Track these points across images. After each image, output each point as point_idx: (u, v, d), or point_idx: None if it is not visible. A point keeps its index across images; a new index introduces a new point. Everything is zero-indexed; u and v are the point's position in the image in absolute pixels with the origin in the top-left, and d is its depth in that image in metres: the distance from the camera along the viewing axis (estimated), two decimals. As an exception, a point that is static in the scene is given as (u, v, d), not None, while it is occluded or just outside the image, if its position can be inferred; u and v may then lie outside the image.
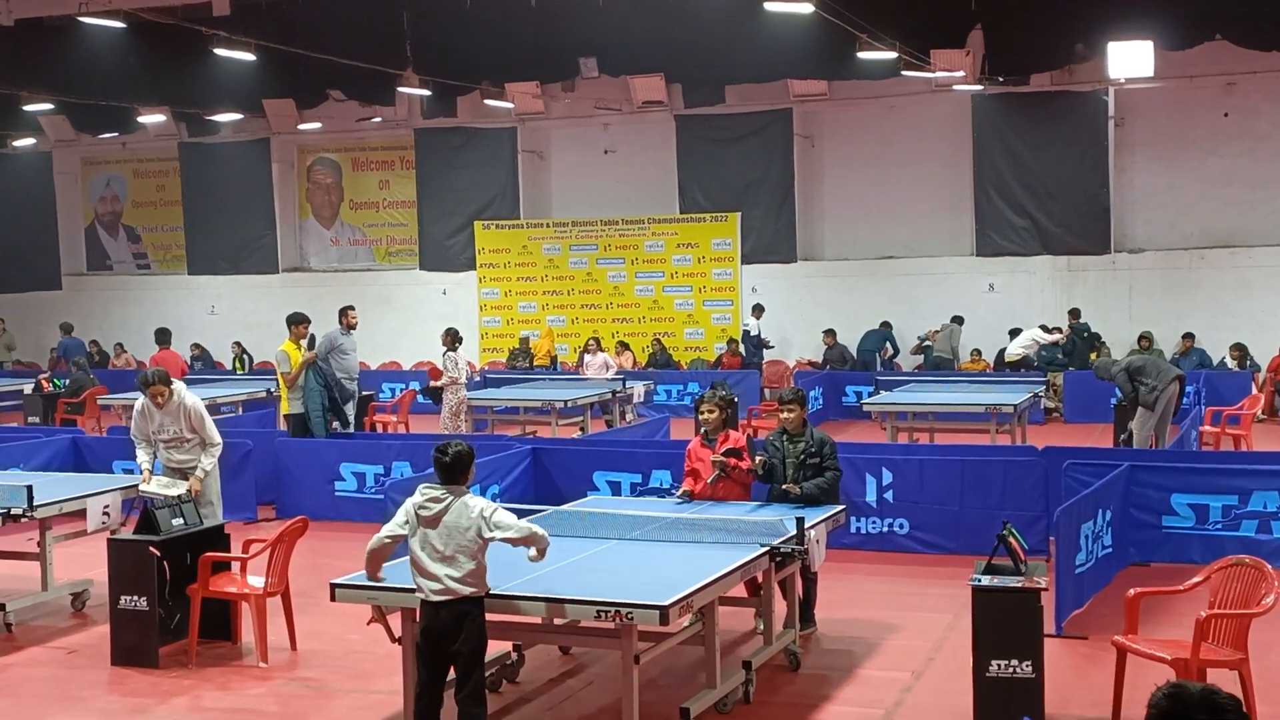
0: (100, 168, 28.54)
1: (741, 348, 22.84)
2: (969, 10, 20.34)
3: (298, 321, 14.26)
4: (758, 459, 8.66)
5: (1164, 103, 21.62)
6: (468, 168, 25.24)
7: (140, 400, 9.92)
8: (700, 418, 8.81)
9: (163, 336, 18.61)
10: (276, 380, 15.19)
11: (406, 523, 6.32)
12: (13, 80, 22.80)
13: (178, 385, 9.93)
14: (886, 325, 22.75)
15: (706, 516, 8.00)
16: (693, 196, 24.14)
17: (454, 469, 6.35)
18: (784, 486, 8.52)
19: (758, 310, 22.84)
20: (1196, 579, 7.08)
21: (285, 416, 14.26)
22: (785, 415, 8.66)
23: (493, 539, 6.22)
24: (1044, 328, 20.98)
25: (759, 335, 22.69)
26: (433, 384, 17.54)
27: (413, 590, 6.37)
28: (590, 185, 24.94)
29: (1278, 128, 21.21)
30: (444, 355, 16.88)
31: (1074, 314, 21.46)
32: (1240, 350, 20.44)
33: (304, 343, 14.11)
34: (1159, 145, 21.87)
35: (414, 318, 24.89)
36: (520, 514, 8.39)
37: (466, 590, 6.22)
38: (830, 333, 22.65)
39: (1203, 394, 17.60)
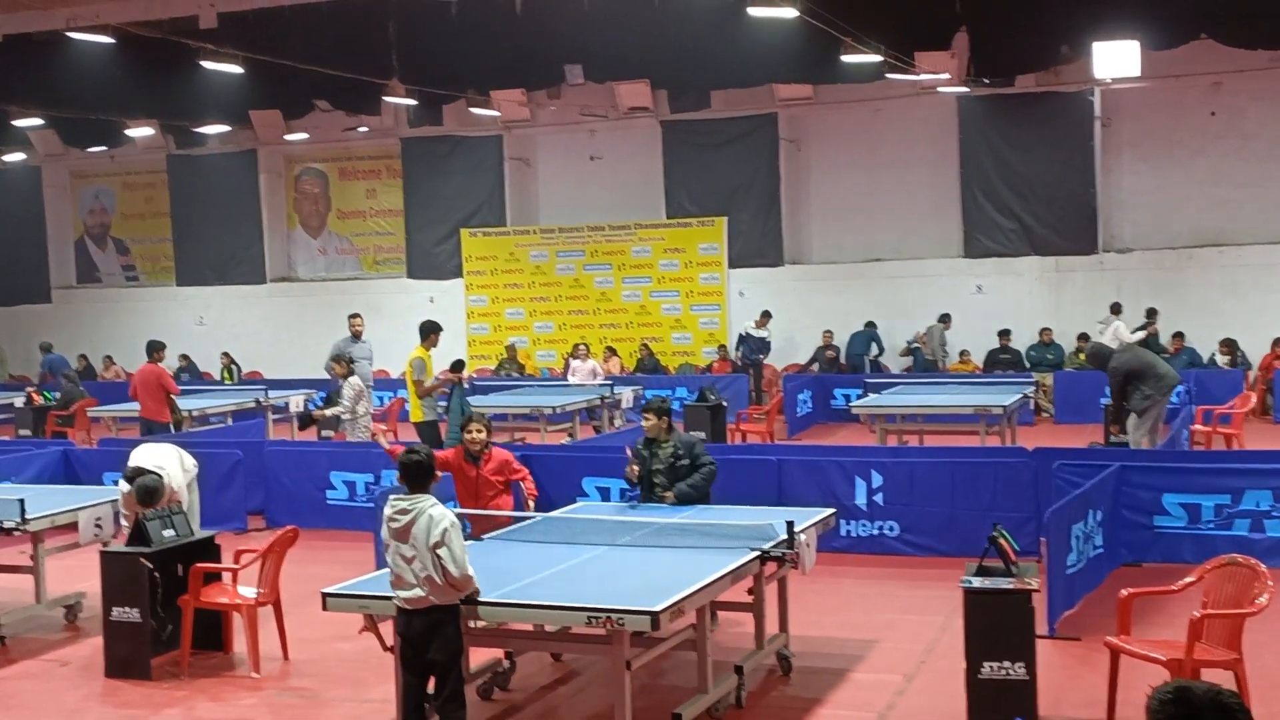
0: (89, 181, 28.50)
1: (735, 351, 22.79)
2: (953, 12, 20.36)
3: (433, 330, 13.94)
4: (635, 468, 8.94)
5: (1150, 103, 21.68)
6: (454, 175, 25.24)
7: (127, 490, 9.11)
8: (467, 437, 9.02)
9: (151, 348, 16.27)
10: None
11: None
12: (1, 96, 22.79)
13: (169, 478, 9.20)
14: (871, 325, 22.73)
15: (696, 521, 8.01)
16: (679, 201, 24.15)
17: (422, 473, 6.40)
18: (660, 494, 8.78)
19: (765, 316, 22.60)
20: (1189, 579, 7.07)
21: (416, 425, 13.94)
22: (645, 423, 8.98)
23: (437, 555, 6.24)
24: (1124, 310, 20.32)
25: (766, 340, 22.42)
26: (319, 412, 15.71)
27: (404, 599, 6.38)
28: (577, 191, 24.95)
29: (1264, 126, 21.28)
30: (344, 383, 14.90)
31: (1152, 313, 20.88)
32: (1230, 346, 20.46)
33: (434, 351, 13.73)
34: (1146, 145, 21.93)
35: (402, 326, 24.66)
36: (509, 521, 8.45)
37: (437, 598, 6.24)
38: (829, 333, 22.66)
39: (1193, 393, 17.63)
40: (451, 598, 6.28)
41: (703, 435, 9.23)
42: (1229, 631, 6.62)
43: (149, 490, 8.82)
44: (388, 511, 6.36)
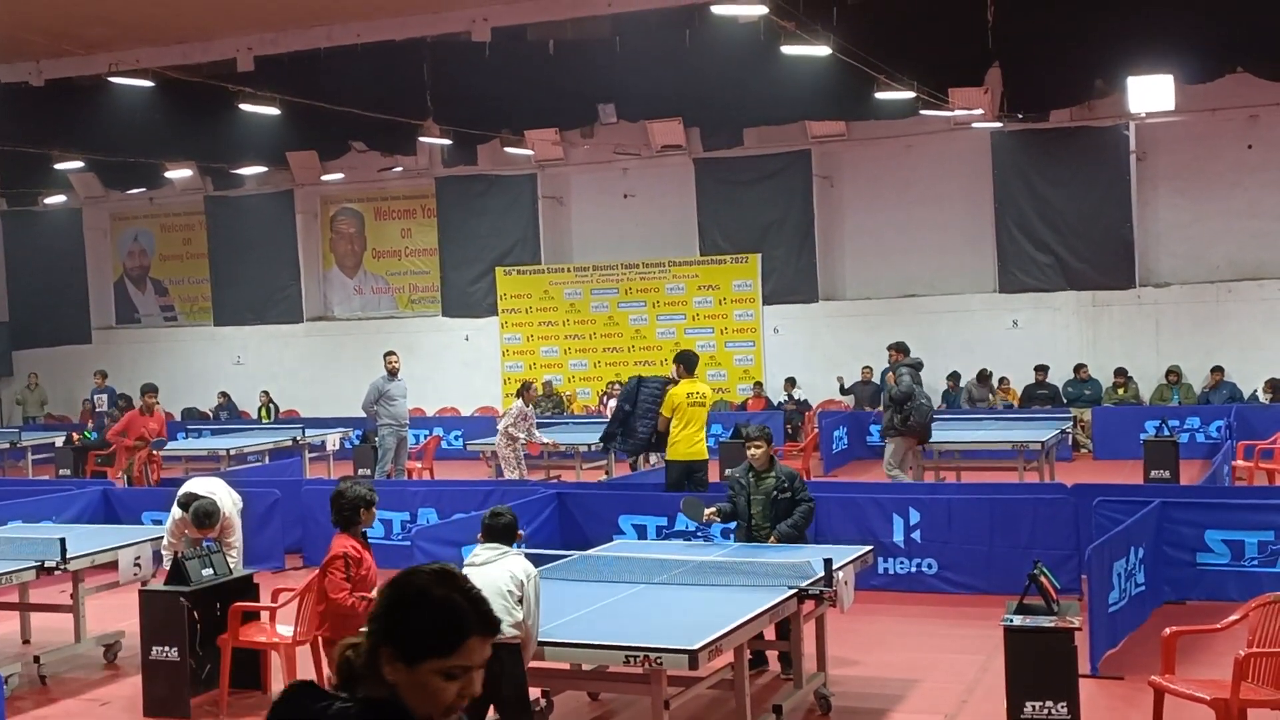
0: (128, 223, 28.84)
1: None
2: (986, 48, 20.39)
3: (696, 359, 12.54)
4: (712, 508, 8.75)
5: (1186, 136, 21.57)
6: (488, 214, 25.39)
7: (180, 516, 9.40)
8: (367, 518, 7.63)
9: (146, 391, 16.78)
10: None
11: None
12: (43, 139, 23.20)
13: (224, 505, 9.46)
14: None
15: (734, 560, 7.97)
16: (713, 239, 24.19)
17: (508, 534, 6.57)
18: (763, 535, 8.57)
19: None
20: (1234, 616, 6.99)
21: (669, 462, 12.37)
22: (752, 451, 8.72)
23: (516, 611, 6.25)
24: None
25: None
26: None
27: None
28: (610, 229, 25.04)
29: (1302, 159, 21.12)
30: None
31: None
32: (1274, 384, 20.17)
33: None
34: (1182, 179, 21.79)
35: (437, 364, 24.97)
36: (546, 559, 8.43)
37: (505, 635, 6.22)
38: (868, 369, 22.45)
39: (1234, 428, 17.43)
40: (517, 634, 6.29)
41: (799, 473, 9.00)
42: (1276, 670, 6.52)
43: (206, 513, 8.97)
44: (468, 559, 6.50)
